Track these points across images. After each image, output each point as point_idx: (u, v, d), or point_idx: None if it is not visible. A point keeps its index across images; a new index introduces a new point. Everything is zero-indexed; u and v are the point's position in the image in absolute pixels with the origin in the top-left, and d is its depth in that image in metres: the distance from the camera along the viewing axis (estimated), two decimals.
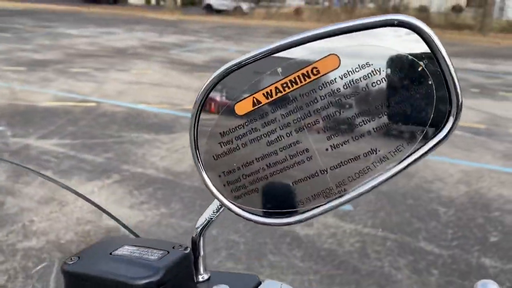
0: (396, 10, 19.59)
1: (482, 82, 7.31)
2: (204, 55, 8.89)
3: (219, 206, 0.45)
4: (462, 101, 0.35)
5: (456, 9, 22.66)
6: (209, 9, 23.10)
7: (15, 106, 4.69)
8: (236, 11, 22.32)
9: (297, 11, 21.93)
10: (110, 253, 0.43)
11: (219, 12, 22.62)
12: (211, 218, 0.45)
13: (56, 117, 4.39)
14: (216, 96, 0.39)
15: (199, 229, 0.46)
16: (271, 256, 2.25)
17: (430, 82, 0.35)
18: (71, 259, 0.43)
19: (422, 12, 19.39)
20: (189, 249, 0.45)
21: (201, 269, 0.47)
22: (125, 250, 0.44)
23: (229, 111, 0.38)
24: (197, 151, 0.40)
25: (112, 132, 4.05)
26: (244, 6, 22.95)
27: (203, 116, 0.39)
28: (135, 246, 0.44)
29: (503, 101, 6.11)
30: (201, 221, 0.46)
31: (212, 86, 0.38)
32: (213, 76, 0.38)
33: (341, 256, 2.30)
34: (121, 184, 3.02)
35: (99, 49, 8.88)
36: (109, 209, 2.64)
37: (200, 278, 0.47)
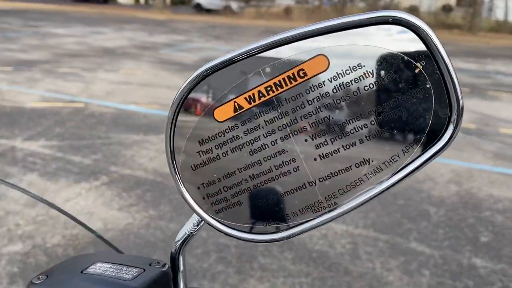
0: (386, 9, 19.64)
1: (472, 82, 7.35)
2: (194, 54, 8.84)
3: (200, 220, 0.41)
4: (463, 106, 0.32)
5: (446, 8, 22.82)
6: (199, 9, 23.03)
7: (1, 107, 4.61)
8: (226, 11, 22.28)
9: (287, 11, 21.94)
10: (82, 271, 0.40)
11: (209, 11, 22.56)
12: (191, 232, 0.42)
13: (43, 118, 4.32)
14: (197, 96, 0.35)
15: (178, 244, 0.42)
16: (261, 259, 2.23)
17: (428, 86, 0.32)
18: (39, 277, 0.39)
19: (413, 12, 19.49)
20: (167, 266, 0.42)
21: (181, 286, 0.44)
22: (98, 268, 0.40)
23: (209, 117, 0.35)
24: (174, 160, 0.36)
25: (100, 133, 4.00)
26: (234, 5, 22.92)
27: (182, 118, 0.36)
28: (109, 263, 0.41)
29: (493, 101, 6.15)
30: (181, 235, 0.43)
31: (190, 89, 0.35)
32: (190, 79, 0.35)
33: (333, 257, 2.28)
34: (110, 186, 2.97)
35: (87, 49, 8.79)
36: (98, 212, 2.60)
37: None
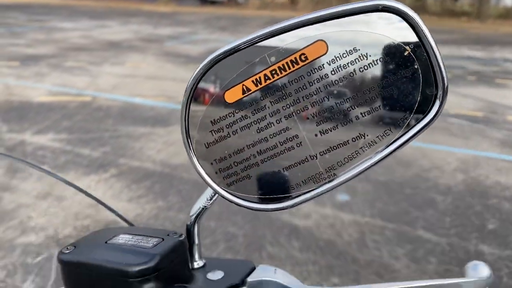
0: None
1: (479, 70, 7.29)
2: (199, 46, 8.84)
3: (213, 194, 0.45)
4: (447, 85, 0.35)
5: None
6: (204, 0, 22.95)
7: (10, 102, 4.66)
8: (231, 2, 22.19)
9: (293, 1, 21.80)
10: (106, 242, 0.43)
11: (213, 3, 22.48)
12: (205, 206, 0.46)
13: (51, 112, 4.36)
14: (206, 86, 0.39)
15: (193, 217, 0.46)
16: (269, 248, 2.25)
17: (416, 66, 0.35)
18: (67, 248, 0.43)
19: (419, 0, 19.29)
20: (184, 236, 0.45)
21: (196, 256, 0.47)
22: (120, 239, 0.44)
23: (219, 99, 0.38)
24: (189, 139, 0.40)
25: (108, 126, 4.04)
26: None
27: (194, 107, 0.39)
28: (130, 234, 0.44)
29: (501, 88, 6.10)
30: (195, 208, 0.46)
31: (203, 74, 0.38)
32: (202, 64, 0.38)
33: (340, 246, 2.30)
34: (119, 178, 3.01)
35: (93, 43, 8.82)
36: (107, 204, 2.62)
37: (196, 265, 0.47)
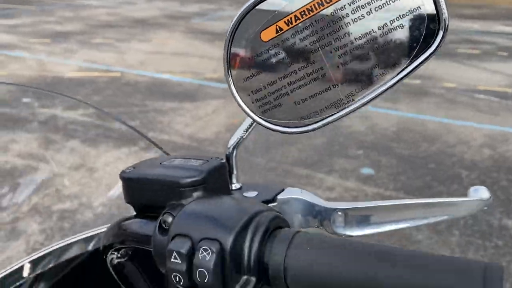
0: None
1: (511, 45, 7.07)
2: (225, 23, 8.82)
3: (249, 125, 0.51)
4: (448, 23, 0.41)
5: None
6: None
7: (42, 77, 4.81)
8: None
9: None
10: (160, 163, 0.50)
11: None
12: (242, 136, 0.52)
13: (81, 87, 4.49)
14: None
15: (231, 147, 0.53)
16: None
17: (422, 2, 0.41)
18: (128, 168, 0.50)
19: None
20: (224, 160, 0.51)
21: (234, 180, 0.54)
22: (172, 161, 0.51)
23: (256, 38, 0.44)
24: (230, 72, 0.46)
25: (137, 101, 4.13)
26: None
27: (235, 48, 0.45)
28: (180, 158, 0.52)
29: None
30: (233, 139, 0.53)
31: (247, 12, 0.44)
32: (247, 4, 0.44)
33: None
34: (148, 150, 3.10)
35: (119, 20, 8.91)
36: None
37: (233, 187, 0.54)
